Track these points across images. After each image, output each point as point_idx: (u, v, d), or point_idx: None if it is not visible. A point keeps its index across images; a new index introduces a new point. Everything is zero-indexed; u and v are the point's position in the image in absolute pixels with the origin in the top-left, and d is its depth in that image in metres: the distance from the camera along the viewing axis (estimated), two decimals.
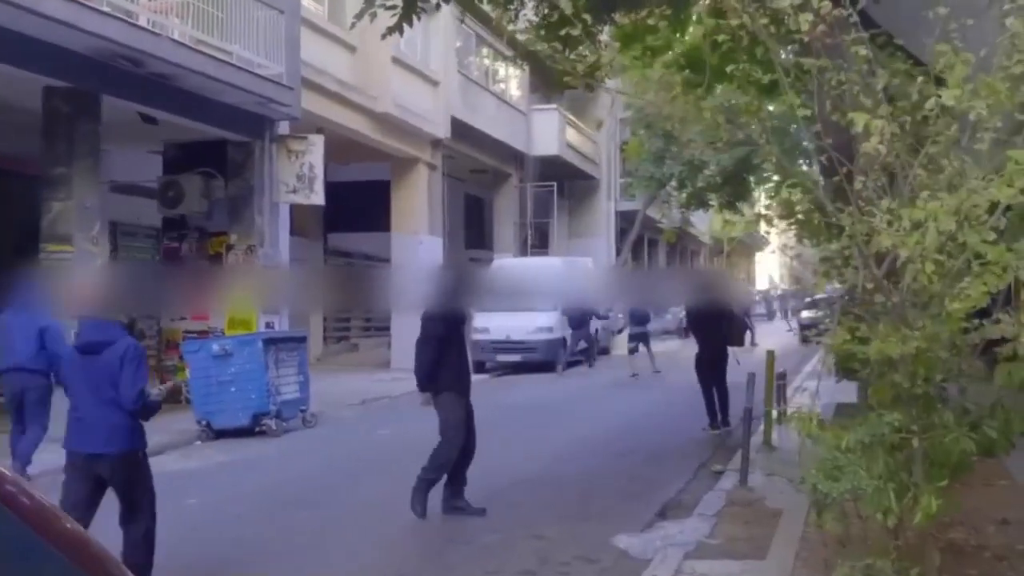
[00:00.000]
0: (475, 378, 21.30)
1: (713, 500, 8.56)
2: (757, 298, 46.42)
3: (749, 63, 4.34)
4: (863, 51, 3.92)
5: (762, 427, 11.25)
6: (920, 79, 3.66)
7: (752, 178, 30.80)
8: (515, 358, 21.82)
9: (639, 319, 21.17)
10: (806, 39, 4.07)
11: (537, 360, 21.74)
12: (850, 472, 4.22)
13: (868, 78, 3.95)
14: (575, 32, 4.69)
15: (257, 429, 12.36)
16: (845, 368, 12.25)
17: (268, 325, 14.56)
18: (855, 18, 3.88)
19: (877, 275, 4.04)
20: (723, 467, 10.08)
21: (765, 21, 3.95)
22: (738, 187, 31.62)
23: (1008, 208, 3.88)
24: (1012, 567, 5.49)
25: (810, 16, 3.77)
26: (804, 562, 5.78)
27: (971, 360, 4.95)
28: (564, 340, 22.58)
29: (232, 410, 12.06)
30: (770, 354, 11.84)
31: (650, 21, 4.81)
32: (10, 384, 9.53)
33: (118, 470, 5.86)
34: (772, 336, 29.06)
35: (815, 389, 4.59)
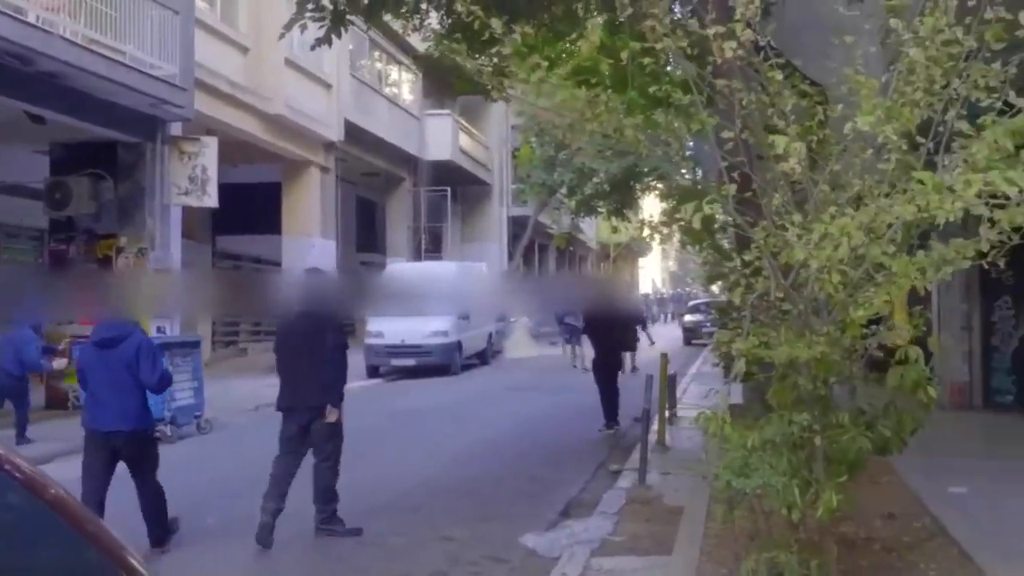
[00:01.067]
0: (369, 383, 21.32)
1: (614, 499, 8.81)
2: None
3: (670, 84, 4.54)
4: (779, 76, 4.18)
5: (655, 427, 11.61)
6: (840, 106, 3.92)
7: (638, 186, 31.54)
8: (410, 362, 21.79)
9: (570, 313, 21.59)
10: (719, 61, 4.31)
11: (432, 364, 21.78)
12: (760, 469, 4.47)
13: (776, 99, 4.21)
14: (506, 51, 4.83)
15: None
16: (749, 371, 12.72)
17: (160, 330, 14.26)
18: (768, 40, 4.13)
19: (784, 284, 4.31)
20: (620, 466, 10.37)
21: (684, 43, 4.18)
22: (625, 195, 32.31)
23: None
24: (900, 558, 5.86)
25: (734, 44, 4.01)
26: (708, 556, 6.04)
27: (859, 364, 5.29)
28: (459, 344, 22.68)
29: None
30: (664, 357, 12.22)
31: (579, 43, 4.92)
32: None
33: (131, 444, 7.08)
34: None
35: (728, 391, 4.81)
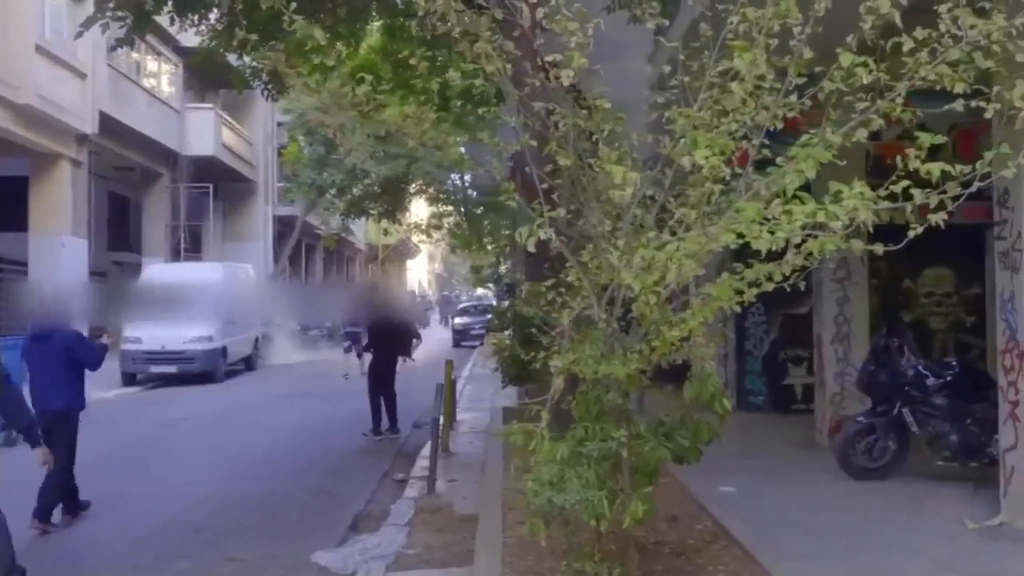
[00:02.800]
0: (126, 391, 20.14)
1: (403, 509, 8.75)
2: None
3: (496, 105, 4.53)
4: (607, 104, 4.29)
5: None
6: (683, 141, 4.04)
7: (410, 188, 31.56)
8: (171, 369, 20.72)
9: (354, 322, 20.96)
10: (537, 84, 4.38)
11: (195, 371, 20.83)
12: (571, 482, 4.56)
13: (590, 124, 4.32)
14: (326, 59, 4.69)
15: None
16: (514, 377, 12.99)
17: None
18: (597, 67, 4.24)
19: (602, 304, 4.43)
20: (405, 475, 10.34)
21: (505, 65, 4.21)
22: (396, 197, 32.24)
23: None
24: (689, 561, 6.14)
25: (571, 72, 4.07)
26: (510, 567, 6.09)
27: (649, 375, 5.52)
28: (224, 349, 21.82)
29: None
30: (448, 364, 12.30)
31: (412, 61, 4.76)
32: None
33: (57, 422, 8.00)
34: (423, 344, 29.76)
35: (549, 402, 4.80)
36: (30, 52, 18.59)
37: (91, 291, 17.48)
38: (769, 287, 4.19)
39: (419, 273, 74.68)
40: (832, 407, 11.07)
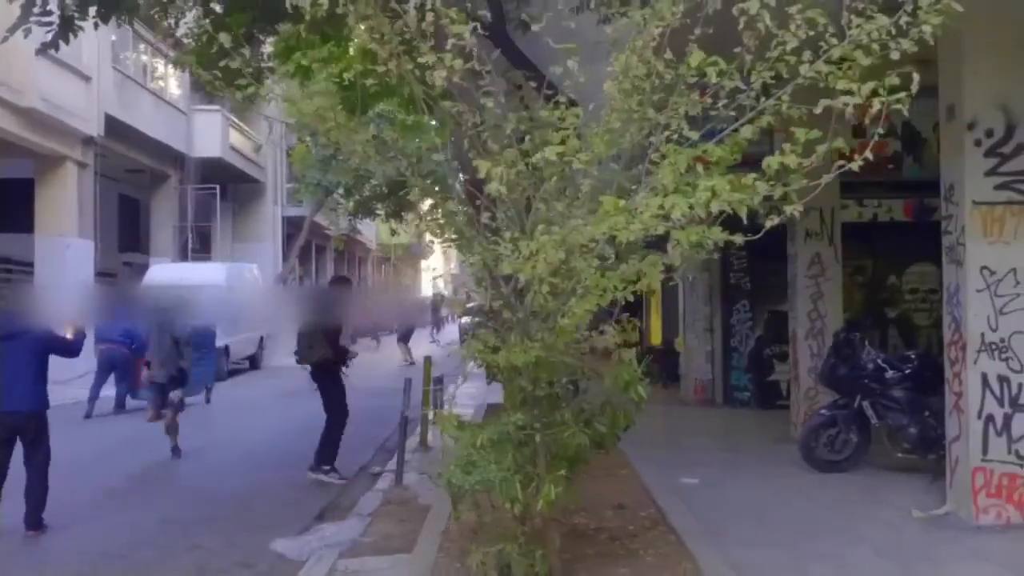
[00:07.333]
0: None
1: (370, 500, 8.98)
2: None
3: (400, 104, 4.68)
4: (490, 103, 4.47)
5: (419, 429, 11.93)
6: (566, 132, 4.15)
7: (414, 189, 31.77)
8: None
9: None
10: (446, 85, 4.56)
11: None
12: (482, 466, 4.75)
13: (502, 122, 4.50)
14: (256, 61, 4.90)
15: None
16: (490, 372, 13.16)
17: None
18: (488, 68, 4.42)
19: (505, 294, 4.61)
20: (381, 468, 10.55)
21: (411, 66, 4.39)
22: (403, 197, 32.48)
23: (614, 239, 4.55)
24: (623, 546, 6.31)
25: (443, 73, 4.25)
26: (446, 552, 6.29)
27: (591, 364, 5.70)
28: (227, 348, 22.07)
29: None
30: (427, 360, 12.48)
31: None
32: None
33: (32, 421, 8.01)
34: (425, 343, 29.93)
35: (453, 393, 5.00)
36: (31, 56, 18.87)
37: (93, 292, 17.73)
38: (656, 278, 4.35)
39: (435, 273, 74.81)
40: (807, 402, 11.20)
